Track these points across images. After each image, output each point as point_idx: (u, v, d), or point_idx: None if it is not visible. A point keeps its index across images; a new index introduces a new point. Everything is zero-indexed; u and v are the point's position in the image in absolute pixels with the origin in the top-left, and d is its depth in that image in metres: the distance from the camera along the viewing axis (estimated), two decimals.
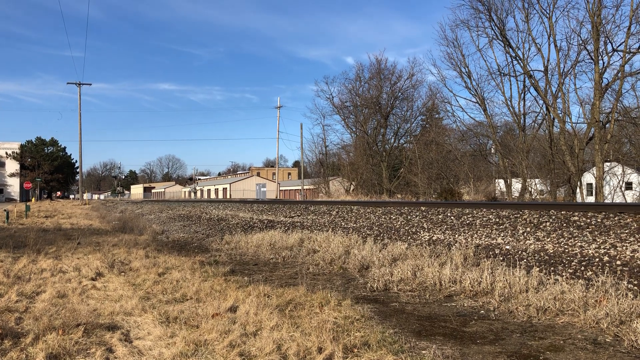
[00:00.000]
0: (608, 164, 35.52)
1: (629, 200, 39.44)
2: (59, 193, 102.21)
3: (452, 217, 10.80)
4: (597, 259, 6.69)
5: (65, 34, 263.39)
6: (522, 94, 37.90)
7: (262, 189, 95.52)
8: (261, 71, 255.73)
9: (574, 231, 8.03)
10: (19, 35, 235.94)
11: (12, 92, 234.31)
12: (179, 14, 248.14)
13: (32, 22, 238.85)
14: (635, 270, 6.10)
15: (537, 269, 6.62)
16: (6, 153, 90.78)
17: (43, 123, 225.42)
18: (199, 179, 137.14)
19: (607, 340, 4.44)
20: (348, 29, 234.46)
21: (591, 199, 38.78)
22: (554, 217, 9.01)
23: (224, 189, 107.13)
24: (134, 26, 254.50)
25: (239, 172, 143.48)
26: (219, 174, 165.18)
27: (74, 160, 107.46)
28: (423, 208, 12.55)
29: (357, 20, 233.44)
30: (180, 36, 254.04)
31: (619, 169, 37.32)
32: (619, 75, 30.84)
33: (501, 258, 7.59)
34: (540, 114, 37.30)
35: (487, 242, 8.55)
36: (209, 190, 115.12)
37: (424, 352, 4.16)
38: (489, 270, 6.67)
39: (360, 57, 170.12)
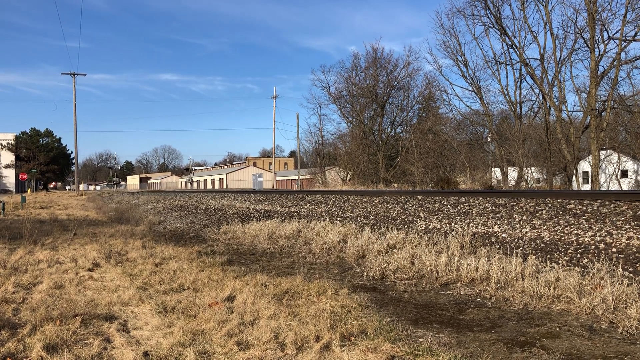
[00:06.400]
0: (604, 152, 35.61)
1: (625, 188, 39.60)
2: (52, 184, 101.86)
3: (448, 206, 10.82)
4: (593, 247, 6.72)
5: (60, 24, 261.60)
6: (519, 83, 37.94)
7: (258, 179, 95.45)
8: (264, 61, 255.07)
9: (570, 219, 8.06)
10: (22, 26, 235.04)
11: (13, 83, 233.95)
12: (183, 4, 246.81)
13: (35, 13, 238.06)
14: (631, 258, 6.13)
15: (534, 256, 6.64)
16: (1, 144, 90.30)
17: (39, 114, 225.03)
18: (195, 170, 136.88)
19: (602, 326, 4.47)
20: (353, 18, 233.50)
21: (587, 187, 38.91)
22: (550, 205, 9.04)
23: (220, 179, 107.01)
24: (137, 17, 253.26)
25: (235, 163, 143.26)
26: (215, 165, 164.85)
27: (69, 151, 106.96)
28: (420, 197, 12.57)
29: (362, 9, 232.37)
30: (184, 26, 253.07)
31: (614, 157, 37.44)
32: (615, 63, 30.84)
33: (497, 246, 7.62)
34: (537, 102, 37.37)
35: (483, 231, 8.57)
36: (205, 181, 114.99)
37: (420, 339, 4.18)
38: (486, 258, 6.70)
39: (363, 47, 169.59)
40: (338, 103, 57.29)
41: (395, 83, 54.27)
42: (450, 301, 5.52)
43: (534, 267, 6.08)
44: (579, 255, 6.58)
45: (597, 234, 7.11)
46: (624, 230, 7.00)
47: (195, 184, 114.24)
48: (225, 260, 8.21)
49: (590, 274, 5.60)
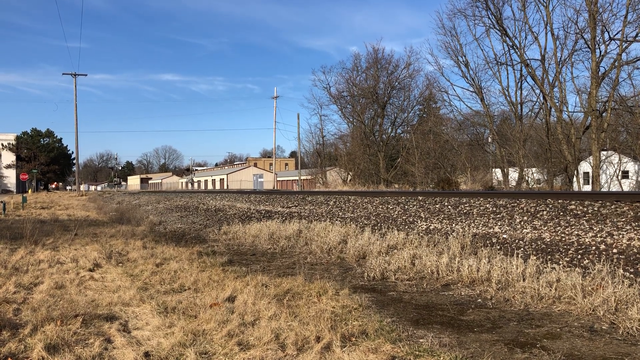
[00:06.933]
0: (605, 152, 35.57)
1: (626, 188, 39.58)
2: (54, 184, 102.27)
3: (449, 207, 10.81)
4: (594, 247, 6.72)
5: (61, 24, 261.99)
6: (519, 83, 37.87)
7: (259, 180, 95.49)
8: (264, 61, 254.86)
9: (571, 220, 8.06)
10: (22, 26, 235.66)
11: (13, 83, 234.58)
12: (183, 4, 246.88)
13: (35, 13, 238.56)
14: (632, 258, 6.13)
15: (534, 257, 6.64)
16: (2, 144, 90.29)
17: (40, 114, 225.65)
18: (196, 170, 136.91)
19: (603, 327, 4.47)
20: (353, 18, 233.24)
21: (588, 188, 38.89)
22: (550, 206, 9.03)
23: (221, 179, 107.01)
24: (137, 17, 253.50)
25: (236, 163, 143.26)
26: (216, 165, 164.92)
27: (70, 152, 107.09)
28: (420, 198, 12.57)
29: (362, 9, 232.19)
30: (184, 26, 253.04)
31: (615, 158, 37.41)
32: (616, 64, 30.80)
33: (498, 247, 7.61)
34: (537, 103, 37.30)
35: (484, 231, 8.57)
36: (206, 181, 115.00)
37: (421, 340, 4.18)
38: (487, 259, 6.70)
39: (364, 47, 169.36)
40: (339, 103, 57.30)
41: (396, 83, 54.31)
42: (451, 302, 5.52)
43: (534, 268, 6.08)
44: (579, 256, 6.57)
45: (598, 235, 7.10)
46: (625, 231, 6.99)
47: (196, 185, 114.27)
48: (226, 260, 8.21)
49: (591, 275, 5.59)
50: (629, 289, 5.02)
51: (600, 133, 31.18)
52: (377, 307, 5.26)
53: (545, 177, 36.65)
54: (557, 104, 34.14)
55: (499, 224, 8.81)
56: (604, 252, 6.49)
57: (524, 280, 5.82)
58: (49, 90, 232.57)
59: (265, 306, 4.98)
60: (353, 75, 56.31)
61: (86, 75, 63.84)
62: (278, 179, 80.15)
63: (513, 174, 39.53)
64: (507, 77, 68.07)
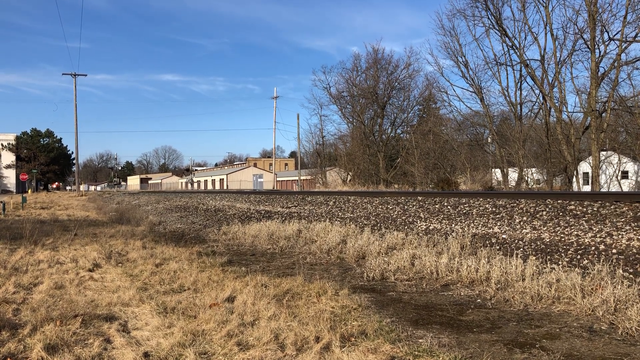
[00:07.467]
0: (604, 153, 35.61)
1: (625, 189, 39.60)
2: (55, 184, 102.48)
3: (448, 207, 10.81)
4: (593, 248, 6.72)
5: (61, 24, 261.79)
6: (519, 84, 37.89)
7: (259, 180, 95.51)
8: (265, 62, 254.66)
9: (570, 220, 8.06)
10: (22, 26, 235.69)
11: (13, 83, 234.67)
12: (183, 4, 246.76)
13: (35, 13, 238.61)
14: (631, 259, 6.13)
15: (534, 257, 6.65)
16: (2, 144, 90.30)
17: (40, 114, 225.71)
18: (196, 170, 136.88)
19: (602, 328, 4.47)
20: (354, 18, 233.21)
21: (587, 188, 38.91)
22: (550, 206, 9.03)
23: (220, 179, 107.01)
24: (137, 16, 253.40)
25: (235, 163, 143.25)
26: (216, 165, 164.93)
27: (70, 152, 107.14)
28: (420, 198, 12.57)
29: (362, 9, 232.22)
30: (184, 26, 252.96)
31: (615, 158, 37.46)
32: (615, 64, 30.81)
33: (498, 247, 7.62)
34: (537, 103, 37.31)
35: (483, 232, 8.57)
36: (205, 181, 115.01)
37: (420, 340, 4.18)
38: (486, 259, 6.70)
39: (364, 47, 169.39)
40: (339, 104, 57.33)
41: (396, 84, 54.34)
42: (451, 302, 5.52)
43: (534, 268, 6.08)
44: (579, 257, 6.58)
45: (598, 235, 7.10)
46: (624, 232, 6.99)
47: (195, 185, 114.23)
48: (226, 260, 8.22)
49: (591, 275, 5.60)
50: (628, 289, 5.02)
51: (599, 133, 31.18)
52: (377, 308, 5.27)
53: (545, 178, 36.67)
54: (557, 104, 34.15)
55: (498, 224, 8.82)
56: (603, 253, 6.50)
57: (523, 280, 5.83)
58: (49, 91, 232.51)
59: (264, 306, 4.98)
60: (353, 76, 56.41)
61: (86, 75, 64.14)
62: (278, 179, 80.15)
63: (513, 174, 39.56)
64: (507, 78, 68.19)
